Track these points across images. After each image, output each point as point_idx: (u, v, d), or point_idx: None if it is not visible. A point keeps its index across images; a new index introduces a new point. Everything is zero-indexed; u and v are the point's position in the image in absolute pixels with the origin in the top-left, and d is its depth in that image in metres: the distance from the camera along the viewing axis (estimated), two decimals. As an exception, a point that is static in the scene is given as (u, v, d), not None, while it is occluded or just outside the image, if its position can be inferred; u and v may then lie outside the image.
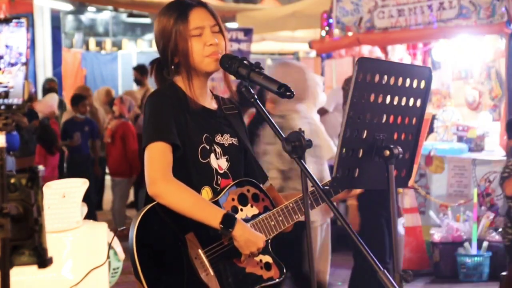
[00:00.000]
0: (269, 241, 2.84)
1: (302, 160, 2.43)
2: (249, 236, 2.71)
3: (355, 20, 9.01)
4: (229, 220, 2.68)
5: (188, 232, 2.72)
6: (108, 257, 2.44)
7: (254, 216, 2.83)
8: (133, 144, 9.16)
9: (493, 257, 7.25)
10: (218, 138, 2.87)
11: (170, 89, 2.84)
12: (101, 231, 2.48)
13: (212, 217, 2.69)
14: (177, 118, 2.76)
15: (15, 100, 1.92)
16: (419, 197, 8.06)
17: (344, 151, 2.45)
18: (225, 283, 2.74)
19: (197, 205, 2.70)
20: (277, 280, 2.83)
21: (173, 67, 2.83)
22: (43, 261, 1.91)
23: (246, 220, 2.81)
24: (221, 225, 2.67)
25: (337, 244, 8.19)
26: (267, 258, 2.83)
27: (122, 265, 2.74)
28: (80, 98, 10.04)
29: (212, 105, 2.93)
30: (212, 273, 2.72)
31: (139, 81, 11.96)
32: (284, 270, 2.85)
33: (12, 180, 1.89)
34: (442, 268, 7.48)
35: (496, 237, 7.33)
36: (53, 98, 10.72)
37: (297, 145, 2.43)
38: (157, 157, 2.71)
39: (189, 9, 2.81)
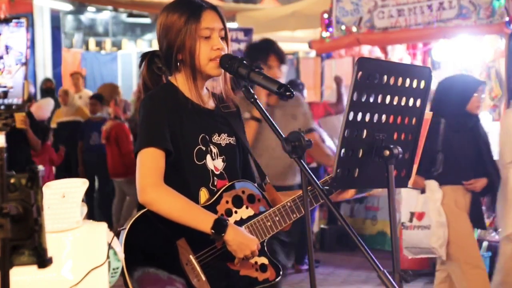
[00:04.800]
0: (265, 242, 2.83)
1: (301, 160, 2.43)
2: (242, 240, 2.70)
3: (355, 20, 9.01)
4: (220, 225, 2.67)
5: (179, 238, 2.71)
6: (108, 257, 2.44)
7: (249, 218, 2.81)
8: (127, 145, 9.15)
9: (492, 257, 7.24)
10: (215, 138, 2.86)
11: (166, 89, 2.82)
12: (101, 231, 2.47)
13: (203, 223, 2.68)
14: (171, 122, 2.75)
15: (15, 100, 1.92)
16: (419, 197, 8.05)
17: (344, 151, 2.45)
18: (217, 287, 2.73)
19: (188, 212, 2.69)
20: (272, 281, 2.83)
21: (177, 64, 2.81)
22: (43, 261, 1.90)
23: (241, 222, 2.80)
24: (213, 231, 2.66)
25: (337, 244, 8.21)
26: (263, 260, 2.82)
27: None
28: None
29: (210, 104, 2.91)
30: (203, 278, 2.70)
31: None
32: (281, 271, 2.83)
33: (12, 180, 1.89)
34: (442, 268, 7.47)
35: (496, 237, 7.32)
36: (49, 103, 10.68)
37: (297, 145, 2.42)
38: (148, 164, 2.69)
39: (202, 9, 2.80)
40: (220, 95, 2.92)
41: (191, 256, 2.71)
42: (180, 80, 2.83)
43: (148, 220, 2.69)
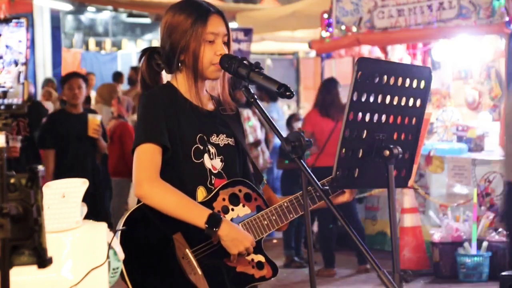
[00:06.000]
0: (261, 240, 2.84)
1: (301, 160, 2.43)
2: (235, 236, 2.71)
3: (355, 20, 9.01)
4: (214, 220, 2.68)
5: (176, 232, 2.72)
6: (108, 257, 2.44)
7: (246, 216, 2.83)
8: (130, 144, 9.13)
9: (492, 257, 7.25)
10: (214, 139, 2.87)
11: (165, 89, 2.85)
12: (101, 231, 2.47)
13: (198, 217, 2.69)
14: (169, 119, 2.77)
15: (15, 100, 1.92)
16: (419, 197, 8.06)
17: (344, 151, 2.45)
18: (214, 282, 2.73)
19: (183, 206, 2.70)
20: (269, 279, 2.84)
21: (179, 64, 2.84)
22: (43, 261, 1.91)
23: (237, 220, 2.81)
24: (206, 225, 2.68)
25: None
26: (260, 257, 2.82)
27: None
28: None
29: (209, 106, 2.93)
30: (200, 272, 2.71)
31: (134, 82, 11.94)
32: (277, 270, 2.84)
33: (12, 180, 1.89)
34: (442, 268, 7.48)
35: (496, 237, 7.33)
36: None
37: (297, 145, 2.43)
38: (145, 159, 2.72)
39: (209, 13, 2.82)
40: (218, 98, 2.94)
41: (187, 250, 2.72)
42: (180, 81, 2.85)
43: (144, 214, 2.71)
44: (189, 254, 2.72)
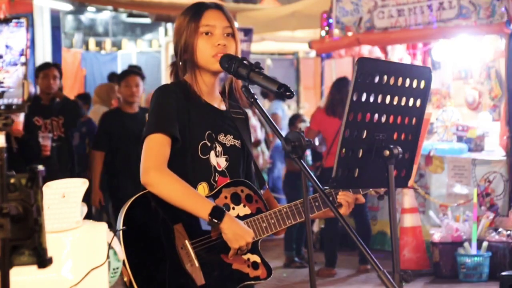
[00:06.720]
0: (258, 242, 2.86)
1: (302, 160, 2.43)
2: (237, 230, 2.74)
3: (355, 20, 9.01)
4: (218, 212, 2.71)
5: (177, 222, 2.75)
6: (108, 257, 2.44)
7: (246, 216, 2.86)
8: None
9: (492, 257, 7.25)
10: (221, 138, 2.91)
11: (179, 85, 2.89)
12: (101, 231, 2.48)
13: (202, 208, 2.72)
14: (181, 112, 2.81)
15: (15, 100, 1.92)
16: (419, 197, 8.06)
17: (344, 151, 2.45)
18: (209, 276, 2.76)
19: (187, 196, 2.74)
20: (263, 280, 2.86)
21: (181, 64, 2.89)
22: (43, 261, 1.91)
23: (238, 219, 2.82)
24: (210, 217, 2.70)
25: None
26: (255, 258, 2.85)
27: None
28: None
29: (221, 107, 2.97)
30: (197, 264, 2.74)
31: None
32: (272, 272, 2.86)
33: (12, 180, 1.89)
34: (442, 268, 7.48)
35: (495, 237, 7.33)
36: None
37: (297, 145, 2.43)
38: (154, 148, 2.76)
39: (204, 8, 2.89)
40: (231, 102, 2.98)
41: (186, 241, 2.75)
42: (190, 79, 2.89)
43: (147, 201, 2.74)
44: (188, 246, 2.75)
